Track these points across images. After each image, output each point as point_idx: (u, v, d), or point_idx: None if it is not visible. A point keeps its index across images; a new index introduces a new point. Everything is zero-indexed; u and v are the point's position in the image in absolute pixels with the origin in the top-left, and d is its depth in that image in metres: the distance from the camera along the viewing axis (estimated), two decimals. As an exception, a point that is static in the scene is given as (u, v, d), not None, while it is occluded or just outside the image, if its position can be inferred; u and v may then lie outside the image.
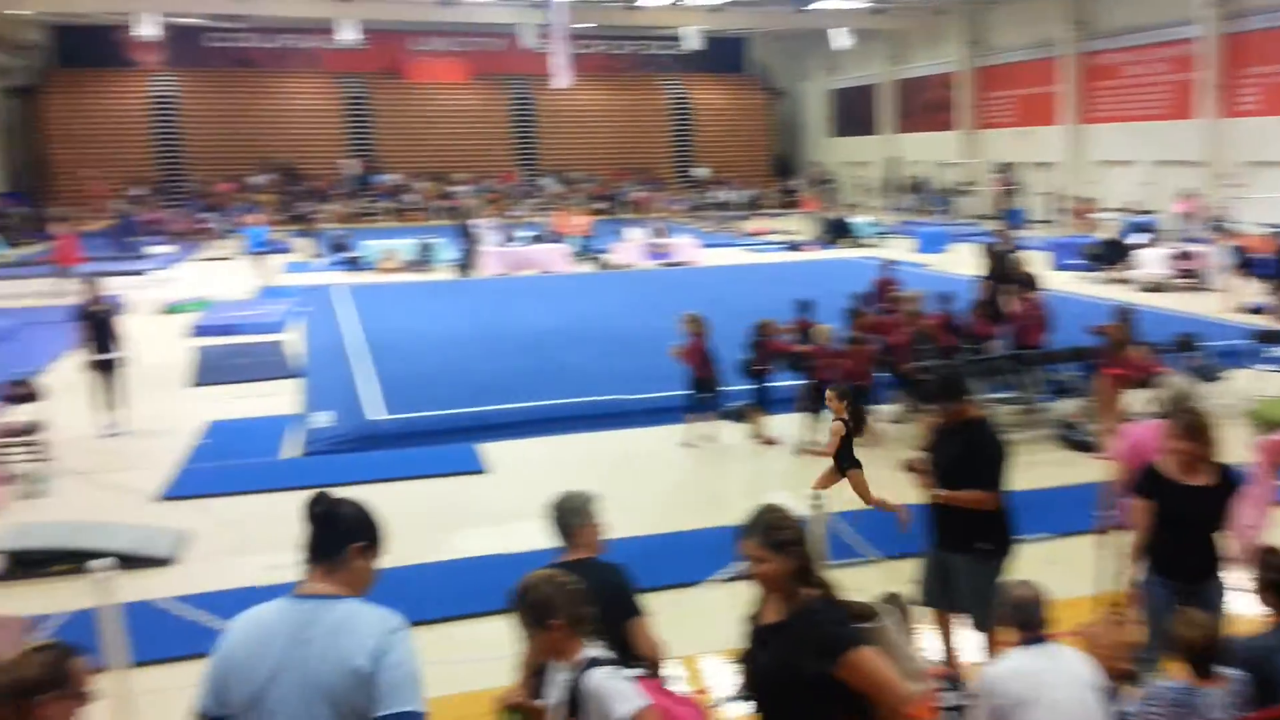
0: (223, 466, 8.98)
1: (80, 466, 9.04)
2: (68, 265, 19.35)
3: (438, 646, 5.18)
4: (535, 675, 3.35)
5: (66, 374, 11.28)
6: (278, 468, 9.04)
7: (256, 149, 36.80)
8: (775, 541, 2.87)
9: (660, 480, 8.65)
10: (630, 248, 24.05)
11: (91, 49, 36.25)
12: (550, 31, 28.47)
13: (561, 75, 28.19)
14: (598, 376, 11.66)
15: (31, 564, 6.79)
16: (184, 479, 8.71)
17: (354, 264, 23.29)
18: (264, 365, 13.08)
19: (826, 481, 6.93)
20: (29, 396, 9.20)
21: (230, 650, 2.56)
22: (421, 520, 7.39)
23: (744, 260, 24.45)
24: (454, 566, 6.76)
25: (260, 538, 7.16)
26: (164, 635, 5.41)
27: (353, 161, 38.05)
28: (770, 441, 9.41)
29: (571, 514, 3.64)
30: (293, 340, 14.69)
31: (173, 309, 17.32)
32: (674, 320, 9.83)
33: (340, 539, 2.60)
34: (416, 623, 5.79)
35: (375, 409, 10.70)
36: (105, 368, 9.95)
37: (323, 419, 10.27)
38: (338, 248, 24.88)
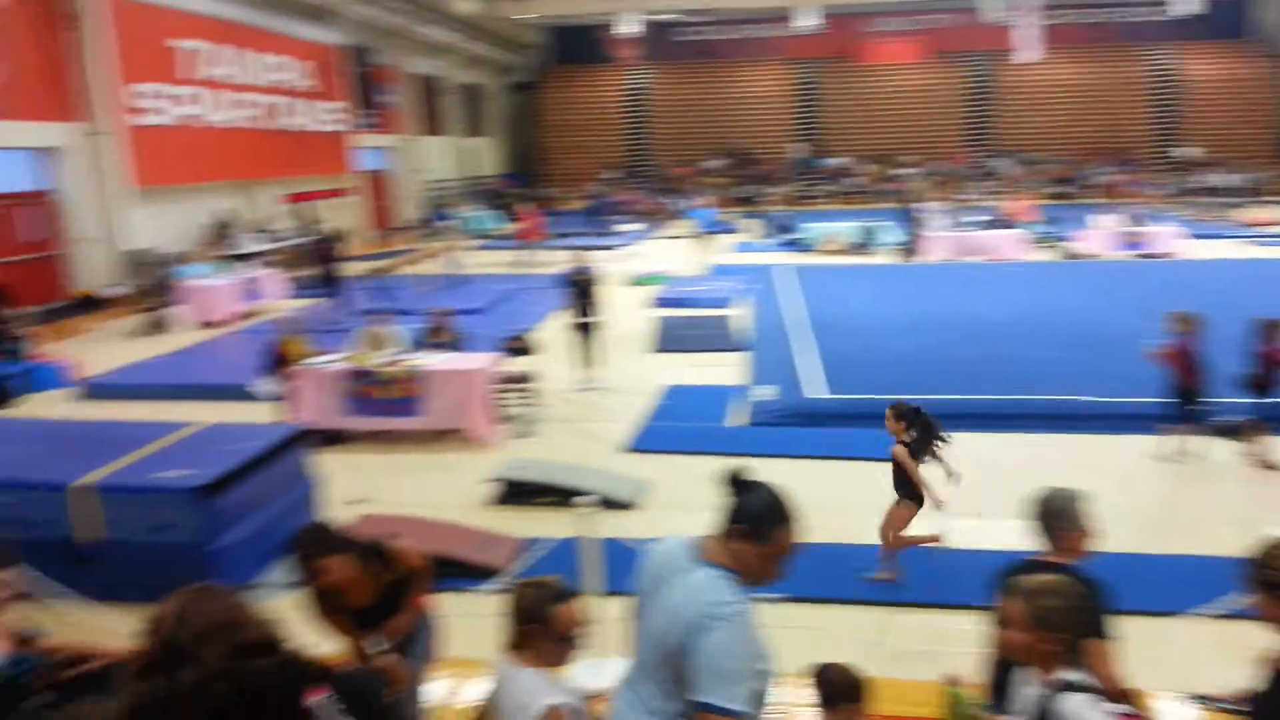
0: (677, 426, 9.70)
1: (561, 414, 10.31)
2: (531, 240, 22.37)
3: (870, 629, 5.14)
4: (998, 679, 3.19)
5: (552, 332, 12.86)
6: (724, 434, 9.57)
7: (713, 135, 39.10)
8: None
9: (1127, 495, 7.79)
10: (1099, 235, 21.91)
11: (581, 47, 40.84)
12: (1019, 2, 26.69)
13: (1030, 48, 26.38)
14: (1051, 373, 10.80)
15: (522, 493, 7.87)
16: (645, 434, 9.55)
17: (797, 245, 23.84)
18: (713, 338, 13.90)
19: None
20: (524, 350, 10.63)
21: (647, 559, 2.84)
22: (862, 502, 7.38)
23: (1239, 255, 21.17)
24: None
25: (704, 496, 7.64)
26: (630, 569, 5.97)
27: (800, 145, 38.91)
28: (1271, 466, 8.06)
29: (1058, 514, 3.39)
30: (739, 316, 15.45)
31: (638, 281, 19.05)
32: (1149, 318, 8.77)
33: (733, 515, 2.65)
34: (871, 602, 5.91)
35: (815, 387, 10.89)
36: (585, 330, 11.23)
37: (766, 392, 10.66)
38: (782, 229, 25.64)
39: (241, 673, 1.77)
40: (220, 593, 1.92)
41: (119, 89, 17.94)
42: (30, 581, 5.03)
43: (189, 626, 1.81)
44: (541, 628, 2.84)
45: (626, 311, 15.41)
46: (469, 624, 4.82)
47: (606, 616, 5.30)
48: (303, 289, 18.56)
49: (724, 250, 23.20)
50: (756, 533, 2.60)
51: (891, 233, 22.90)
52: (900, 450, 5.87)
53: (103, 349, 14.00)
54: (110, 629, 5.19)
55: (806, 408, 10.18)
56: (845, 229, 24.03)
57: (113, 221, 17.93)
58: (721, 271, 20.45)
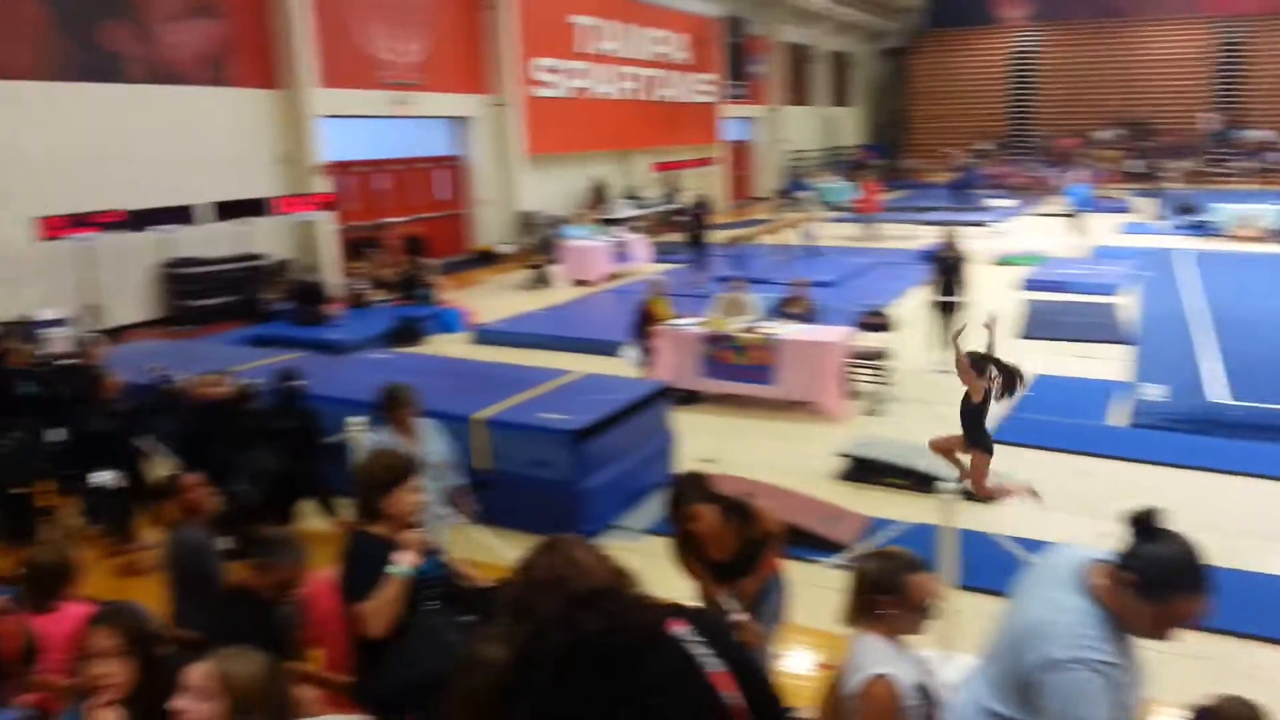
0: (1045, 420, 9.00)
1: (916, 395, 9.96)
2: (869, 213, 21.59)
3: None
4: None
5: (910, 309, 12.42)
6: (1103, 433, 8.72)
7: (1107, 103, 35.46)
8: None
9: None
10: None
11: (960, 8, 38.63)
12: None
13: None
14: None
15: (870, 471, 7.72)
16: (1008, 424, 8.96)
17: (1201, 228, 21.07)
18: (1093, 326, 12.70)
19: None
20: (880, 326, 10.35)
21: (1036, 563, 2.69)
22: (1269, 525, 6.42)
23: None
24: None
25: (1075, 498, 7.04)
26: (986, 565, 5.66)
27: (1212, 115, 34.20)
28: None
29: None
30: (1124, 304, 13.97)
31: (1005, 261, 17.86)
32: None
33: (1129, 559, 2.35)
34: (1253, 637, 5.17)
35: (1215, 390, 9.60)
36: (947, 309, 10.71)
37: (1154, 392, 9.57)
38: (1183, 210, 22.78)
39: (576, 622, 1.83)
40: (566, 544, 2.01)
41: (522, 63, 19.80)
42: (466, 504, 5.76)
43: (532, 580, 1.92)
44: (895, 598, 2.78)
45: (992, 292, 14.48)
46: (811, 594, 4.82)
47: (958, 610, 5.08)
48: (666, 253, 19.49)
49: (1105, 231, 21.05)
50: (1150, 589, 2.31)
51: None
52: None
53: (494, 299, 15.64)
54: (492, 550, 5.82)
55: (1204, 413, 9.00)
56: (1267, 212, 20.82)
57: (509, 185, 19.91)
58: (1106, 254, 18.58)
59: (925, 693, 2.72)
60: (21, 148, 11.51)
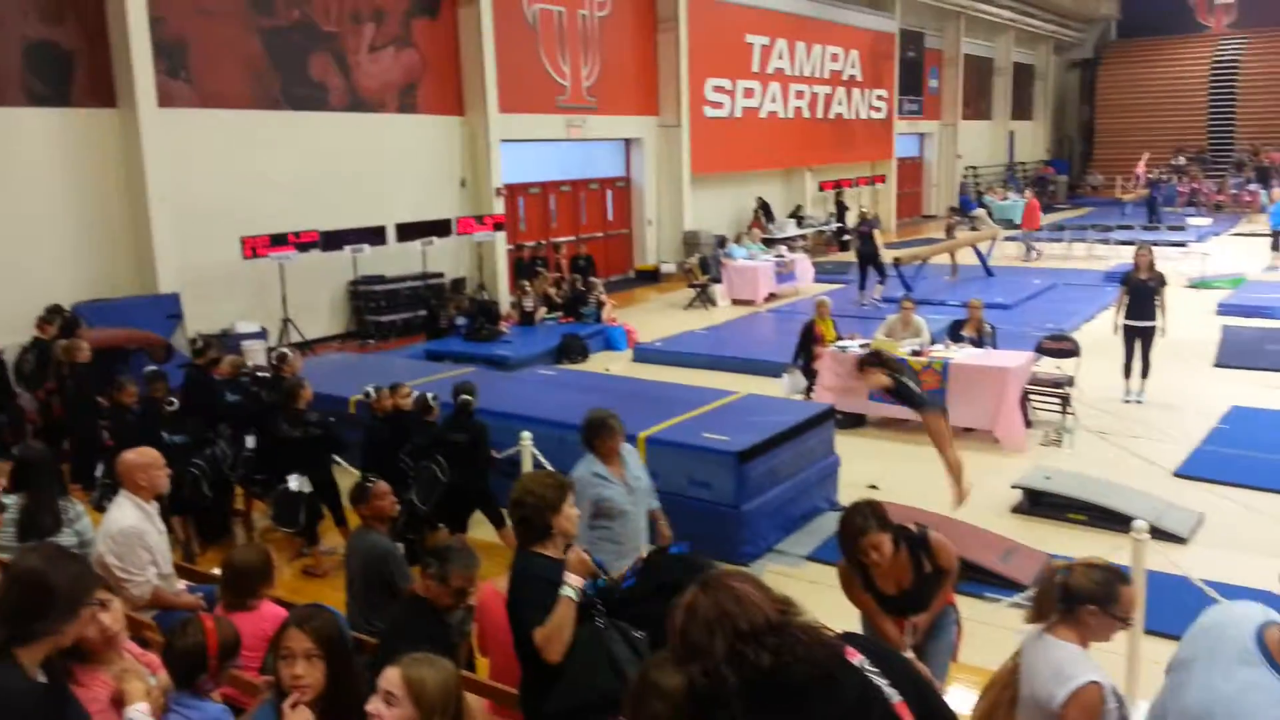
0: (1244, 455, 8.31)
1: (1098, 426, 9.39)
2: (1030, 229, 21.06)
3: None
4: None
5: (1096, 335, 11.74)
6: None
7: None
8: None
9: None
10: None
11: (1156, 16, 36.38)
12: None
13: None
14: None
15: (1048, 505, 7.32)
16: (1199, 459, 8.34)
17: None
18: (1300, 355, 11.64)
19: None
20: (1063, 352, 9.80)
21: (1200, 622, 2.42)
22: None
23: None
24: None
25: (1275, 541, 6.47)
26: (1173, 609, 5.26)
27: None
28: None
29: None
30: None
31: (1199, 284, 16.65)
32: None
33: None
34: None
35: None
36: (1139, 335, 10.02)
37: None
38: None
39: (747, 661, 1.81)
40: (727, 581, 1.99)
41: (694, 84, 20.01)
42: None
43: (696, 618, 1.89)
44: (1104, 607, 2.75)
45: (1185, 317, 13.51)
46: (983, 632, 4.62)
47: (1141, 655, 4.75)
48: (829, 273, 19.21)
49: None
50: None
51: None
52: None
53: (656, 318, 15.81)
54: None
55: None
56: None
57: (674, 204, 20.13)
58: (1319, 277, 17.01)
59: (1118, 698, 2.71)
60: (235, 171, 12.55)
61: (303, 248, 12.72)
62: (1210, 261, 18.23)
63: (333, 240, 13.21)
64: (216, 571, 4.55)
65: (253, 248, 12.13)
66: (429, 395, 6.70)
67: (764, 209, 22.39)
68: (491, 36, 15.63)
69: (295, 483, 6.55)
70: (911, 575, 3.86)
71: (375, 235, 13.72)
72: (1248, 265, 18.22)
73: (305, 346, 12.51)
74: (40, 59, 10.92)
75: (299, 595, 5.82)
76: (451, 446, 6.52)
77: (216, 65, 12.49)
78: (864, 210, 18.91)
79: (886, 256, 16.27)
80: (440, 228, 14.59)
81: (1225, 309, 14.53)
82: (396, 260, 14.36)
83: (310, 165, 13.46)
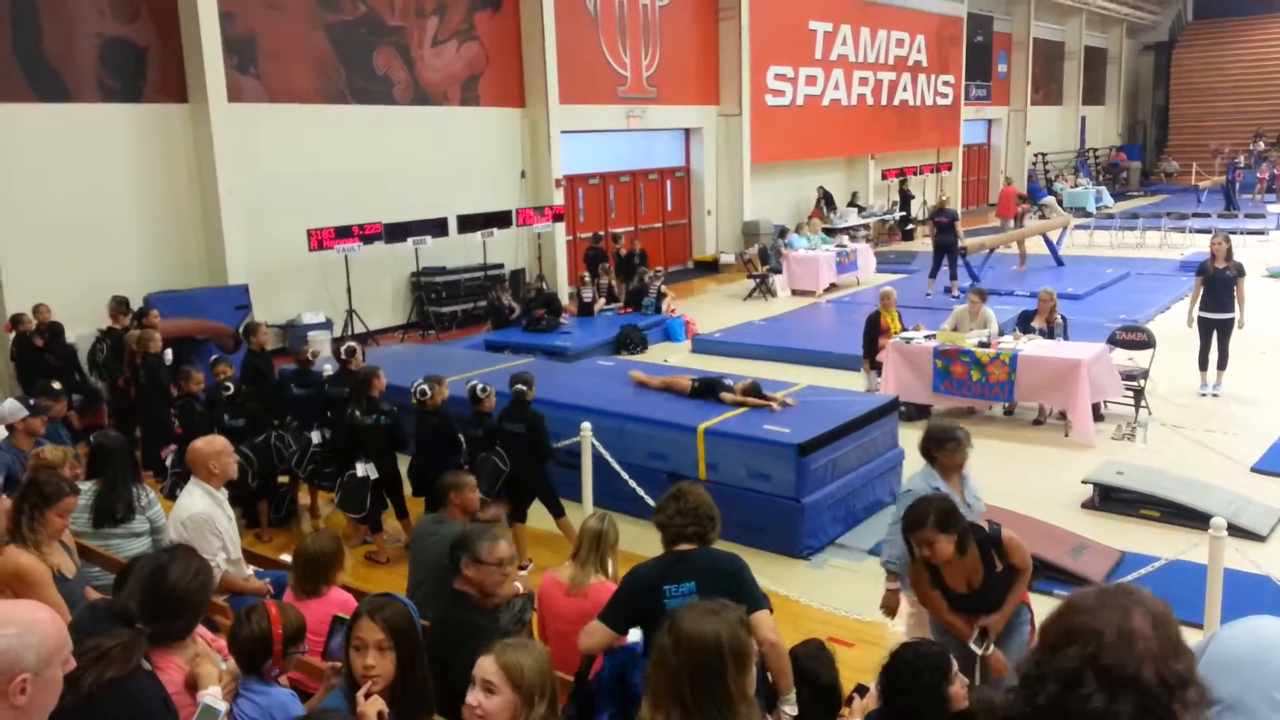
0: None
1: (1172, 419, 9.10)
2: (1004, 217, 21.06)
3: None
4: None
5: (1170, 326, 11.38)
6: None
7: None
8: None
9: None
10: None
11: (1231, -1, 35.14)
12: None
13: None
14: None
15: (1120, 501, 7.11)
16: (1277, 453, 8.03)
17: None
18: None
19: None
20: (1140, 343, 9.48)
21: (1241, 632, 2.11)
22: None
23: None
24: None
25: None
26: (1253, 609, 5.07)
27: None
28: None
29: None
30: None
31: (1277, 273, 16.05)
32: None
33: None
34: None
35: None
36: (1216, 327, 9.68)
37: None
38: None
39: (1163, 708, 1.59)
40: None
41: (755, 72, 19.82)
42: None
43: (1132, 639, 1.64)
44: None
45: (1263, 307, 13.04)
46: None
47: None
48: (890, 263, 18.92)
49: None
50: None
51: None
52: None
53: (715, 309, 15.72)
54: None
55: None
56: None
57: (734, 194, 19.99)
58: None
59: None
60: (302, 164, 12.78)
61: (366, 239, 12.90)
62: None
63: (396, 232, 13.37)
64: (285, 558, 4.63)
65: (318, 239, 12.34)
66: (478, 385, 6.72)
67: (826, 198, 22.11)
68: (553, 28, 15.65)
69: (363, 469, 6.64)
70: (983, 573, 3.77)
71: (437, 227, 13.85)
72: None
73: (368, 337, 12.70)
74: (114, 55, 11.22)
75: (363, 582, 5.92)
76: (509, 436, 6.56)
77: (284, 60, 12.71)
78: (944, 198, 18.54)
79: (958, 245, 15.86)
80: (501, 219, 14.68)
81: (1307, 299, 13.97)
82: (457, 252, 14.49)
83: (374, 158, 13.64)
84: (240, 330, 10.21)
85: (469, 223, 14.27)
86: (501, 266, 15.10)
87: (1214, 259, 9.69)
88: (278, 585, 4.47)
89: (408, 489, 6.83)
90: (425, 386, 6.60)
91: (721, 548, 3.58)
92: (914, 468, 7.59)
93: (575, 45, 16.30)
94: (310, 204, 12.67)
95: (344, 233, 12.60)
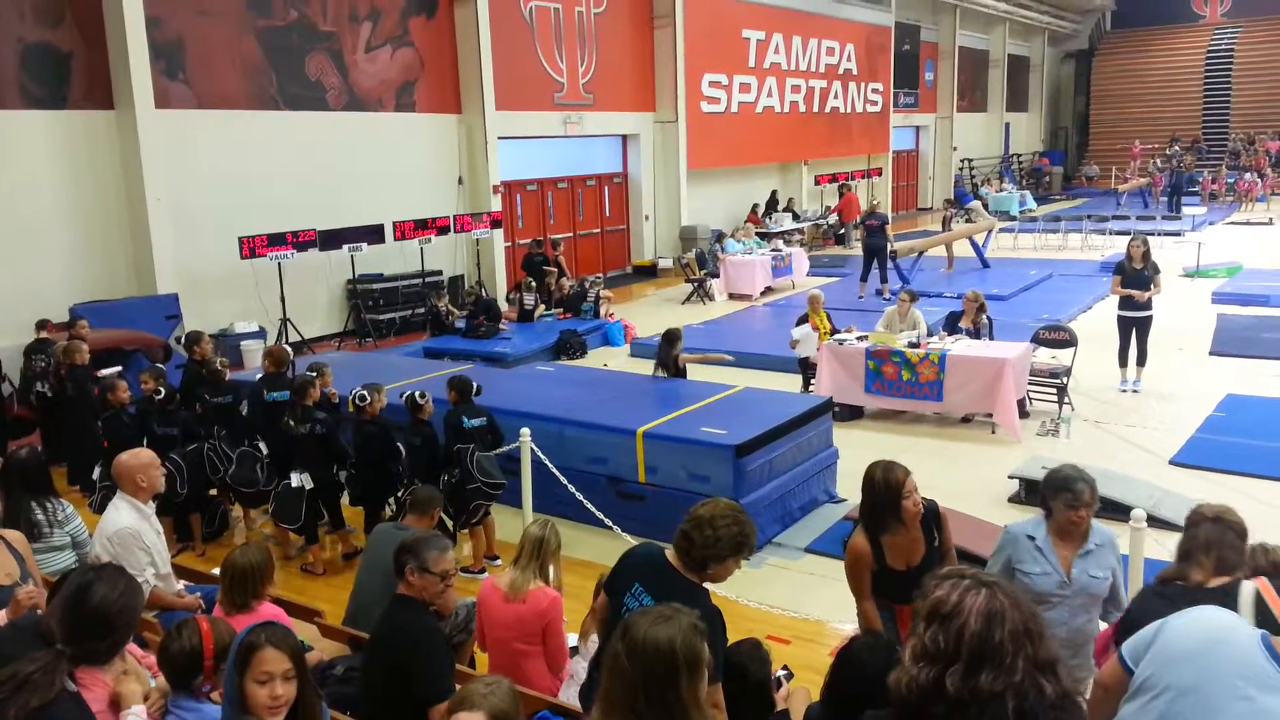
0: (1240, 443, 8.35)
1: (1094, 415, 9.45)
2: (847, 220, 22.18)
3: None
4: None
5: (1091, 324, 11.79)
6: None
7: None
8: None
9: None
10: None
11: (1152, 7, 36.38)
12: None
13: None
14: None
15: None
16: (1195, 446, 8.39)
17: None
18: (1293, 343, 11.70)
19: None
20: (1062, 342, 9.82)
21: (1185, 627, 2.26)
22: None
23: None
24: None
25: (1272, 530, 6.49)
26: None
27: None
28: None
29: None
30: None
31: (1194, 273, 16.70)
32: None
33: None
34: None
35: None
36: (1136, 325, 10.04)
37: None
38: None
39: (1037, 690, 1.81)
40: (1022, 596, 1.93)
41: (691, 79, 20.01)
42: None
43: (1003, 628, 1.83)
44: None
45: (1180, 306, 13.59)
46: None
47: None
48: (823, 267, 19.26)
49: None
50: None
51: None
52: None
53: (653, 313, 15.83)
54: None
55: None
56: None
57: (671, 200, 20.15)
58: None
59: None
60: (233, 171, 12.56)
61: (300, 247, 12.74)
62: (1204, 249, 18.28)
63: (331, 239, 13.23)
64: (216, 572, 4.56)
65: (251, 247, 12.15)
66: (416, 393, 6.71)
67: (770, 203, 22.48)
68: (489, 34, 15.63)
69: (298, 479, 6.58)
70: (924, 549, 3.87)
71: (373, 234, 13.73)
72: (1243, 254, 18.25)
73: (303, 345, 12.54)
74: (37, 61, 10.93)
75: (298, 594, 5.87)
76: (476, 434, 6.62)
77: (213, 66, 12.50)
78: (875, 203, 18.93)
79: (888, 249, 16.23)
80: (436, 225, 14.62)
81: (1220, 298, 14.60)
82: (394, 258, 14.38)
83: (308, 165, 13.48)
84: (180, 340, 10.01)
85: (405, 229, 14.19)
86: (440, 273, 15.03)
87: (1131, 259, 10.05)
88: (210, 600, 4.41)
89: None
90: (364, 394, 6.57)
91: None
92: (849, 466, 7.83)
93: (511, 51, 16.30)
94: (242, 211, 12.48)
95: (277, 240, 12.43)
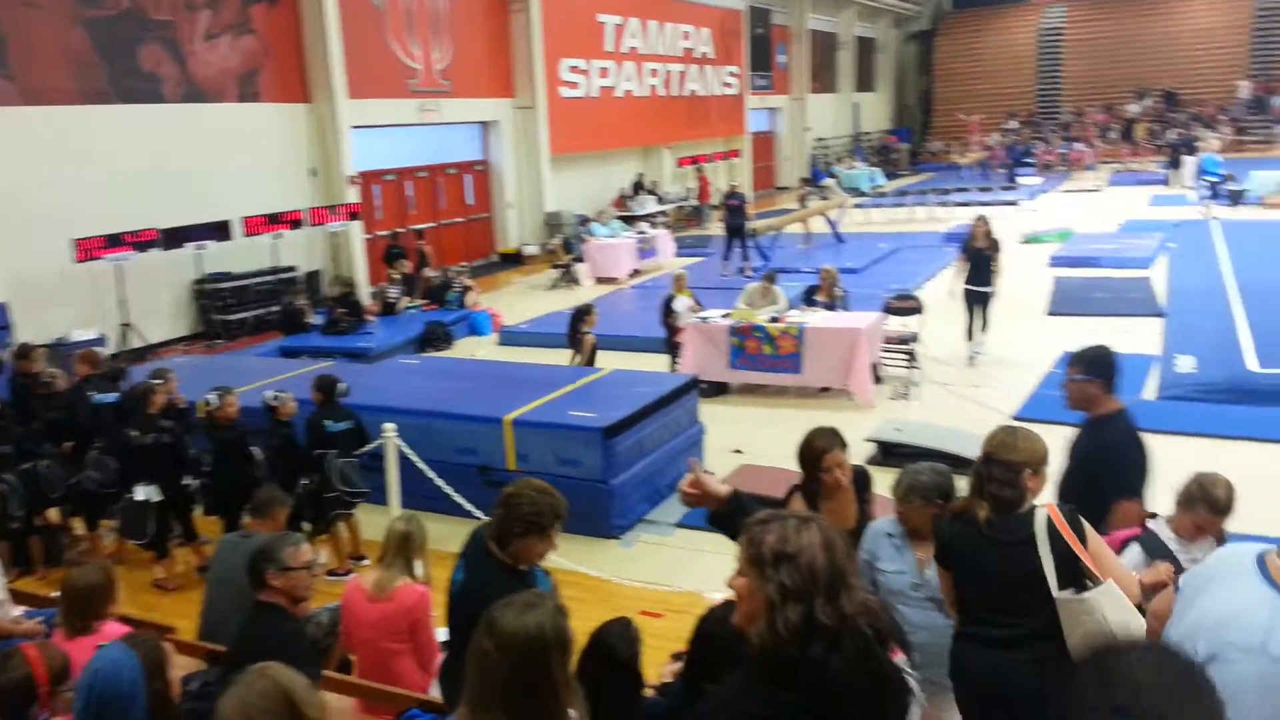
0: (1074, 398, 8.93)
1: (942, 378, 9.93)
2: (704, 201, 23.34)
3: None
4: None
5: (938, 293, 12.35)
6: (1140, 408, 8.57)
7: (1135, 75, 34.86)
8: None
9: None
10: None
11: (986, -11, 38.21)
12: None
13: None
14: None
15: (898, 455, 7.70)
16: (1035, 402, 8.92)
17: (1237, 199, 20.72)
18: (1123, 301, 12.58)
19: None
20: (910, 310, 10.30)
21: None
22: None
23: None
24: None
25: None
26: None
27: (1245, 83, 33.48)
28: None
29: None
30: (1153, 277, 13.82)
31: (1031, 239, 17.70)
32: None
33: None
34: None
35: (1246, 359, 9.50)
36: (979, 299, 10.53)
37: (1185, 364, 9.48)
38: (1215, 180, 22.40)
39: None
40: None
41: (549, 65, 19.89)
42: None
43: (817, 551, 1.91)
44: None
45: (1019, 272, 14.38)
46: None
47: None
48: (688, 247, 19.56)
49: (1134, 203, 20.82)
50: None
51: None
52: None
53: (521, 300, 15.76)
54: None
55: (1233, 382, 8.91)
56: (1299, 179, 20.47)
57: (535, 186, 20.03)
58: (1136, 228, 18.35)
59: None
60: (64, 170, 11.78)
61: (141, 247, 12.10)
62: (1041, 217, 19.45)
63: (174, 238, 12.60)
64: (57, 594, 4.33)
65: (86, 250, 11.46)
66: (272, 394, 6.50)
67: (636, 186, 22.63)
68: (336, 20, 15.12)
69: (143, 492, 6.26)
70: (857, 515, 3.81)
71: (219, 231, 13.16)
72: (1075, 219, 19.47)
73: (148, 351, 11.94)
74: None
75: (149, 612, 5.60)
76: (341, 437, 6.44)
77: (40, 59, 11.68)
78: (734, 184, 19.28)
79: (748, 228, 16.63)
80: (288, 219, 14.12)
81: (1056, 261, 15.52)
82: (245, 256, 13.81)
83: (146, 160, 12.77)
84: (10, 354, 9.34)
85: (255, 225, 13.64)
86: (294, 269, 14.52)
87: (974, 238, 10.44)
88: (49, 625, 4.18)
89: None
90: (214, 397, 6.31)
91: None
92: (716, 441, 8.02)
93: (361, 38, 15.83)
94: (76, 212, 11.73)
95: (115, 241, 11.77)
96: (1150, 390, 9.12)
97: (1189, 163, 23.92)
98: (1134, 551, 3.68)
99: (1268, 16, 33.63)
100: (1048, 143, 32.72)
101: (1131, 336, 10.83)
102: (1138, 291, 13.07)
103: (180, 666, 3.97)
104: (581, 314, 8.92)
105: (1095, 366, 4.10)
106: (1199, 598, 2.38)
